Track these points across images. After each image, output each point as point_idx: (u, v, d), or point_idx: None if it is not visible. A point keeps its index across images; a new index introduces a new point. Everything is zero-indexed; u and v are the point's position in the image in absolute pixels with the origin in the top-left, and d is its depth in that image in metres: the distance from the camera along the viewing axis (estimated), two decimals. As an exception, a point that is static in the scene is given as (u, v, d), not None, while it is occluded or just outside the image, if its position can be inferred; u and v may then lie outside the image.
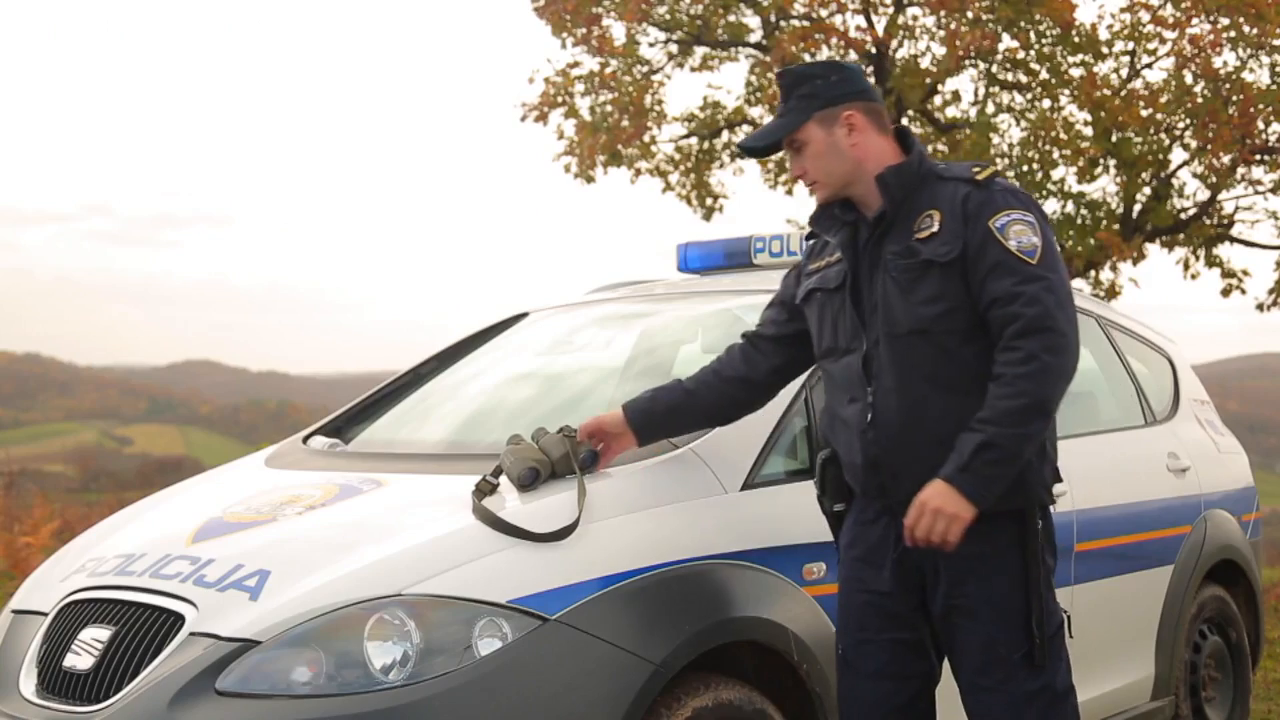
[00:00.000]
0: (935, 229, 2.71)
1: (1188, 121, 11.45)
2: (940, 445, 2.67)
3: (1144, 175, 11.85)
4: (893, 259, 2.74)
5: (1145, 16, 11.65)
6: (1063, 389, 2.64)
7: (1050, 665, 2.71)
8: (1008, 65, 11.98)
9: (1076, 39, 11.56)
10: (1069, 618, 2.75)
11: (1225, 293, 12.62)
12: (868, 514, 2.84)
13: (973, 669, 2.74)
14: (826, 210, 2.88)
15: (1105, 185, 12.21)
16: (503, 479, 2.94)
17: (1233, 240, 12.73)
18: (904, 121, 11.59)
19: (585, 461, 2.94)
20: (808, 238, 3.10)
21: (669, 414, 3.03)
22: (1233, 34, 11.18)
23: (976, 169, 2.77)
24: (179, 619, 2.71)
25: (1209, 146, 11.21)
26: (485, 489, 2.89)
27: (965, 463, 2.59)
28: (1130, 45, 11.89)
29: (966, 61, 11.75)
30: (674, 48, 12.86)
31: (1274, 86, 11.28)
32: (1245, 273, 12.62)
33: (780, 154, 2.97)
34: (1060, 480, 2.83)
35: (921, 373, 2.71)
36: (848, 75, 2.85)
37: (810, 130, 2.79)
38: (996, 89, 12.33)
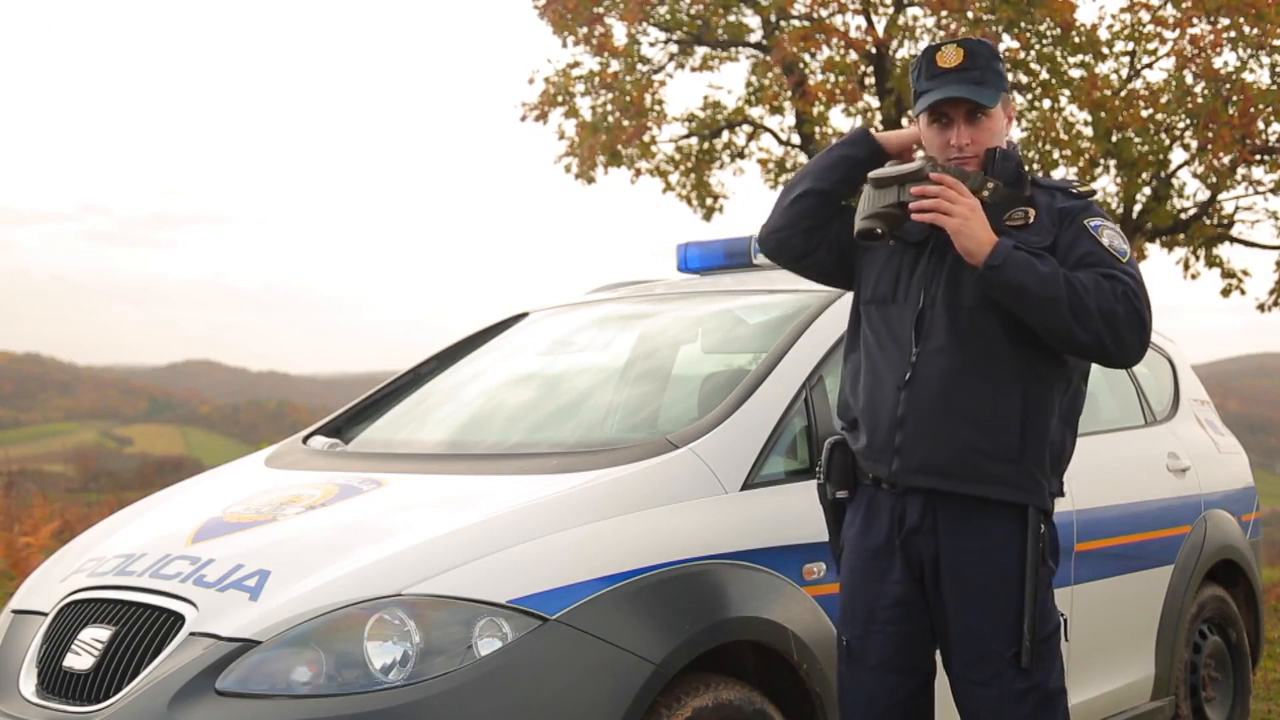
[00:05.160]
0: (1028, 222, 2.75)
1: (1188, 122, 11.45)
2: (964, 424, 2.68)
3: (1144, 175, 11.85)
4: None
5: (1145, 16, 11.65)
6: (1101, 334, 2.59)
7: (1043, 666, 2.70)
8: (1008, 65, 11.97)
9: (1077, 39, 11.56)
10: (1066, 621, 2.73)
11: (1225, 293, 12.65)
12: (878, 502, 2.81)
13: (964, 662, 2.74)
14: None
15: (1105, 185, 12.22)
16: None
17: (1233, 240, 12.75)
18: (904, 123, 11.58)
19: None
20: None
21: None
22: (1233, 34, 11.17)
23: (1076, 185, 2.84)
24: (179, 619, 2.72)
25: (1209, 146, 11.21)
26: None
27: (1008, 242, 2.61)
28: (1130, 45, 11.90)
29: (967, 62, 11.72)
30: (674, 48, 12.86)
31: (1274, 86, 11.28)
32: (1245, 273, 12.65)
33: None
34: (1063, 495, 2.83)
35: (969, 350, 2.71)
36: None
37: (998, 107, 2.81)
38: (997, 89, 12.30)
